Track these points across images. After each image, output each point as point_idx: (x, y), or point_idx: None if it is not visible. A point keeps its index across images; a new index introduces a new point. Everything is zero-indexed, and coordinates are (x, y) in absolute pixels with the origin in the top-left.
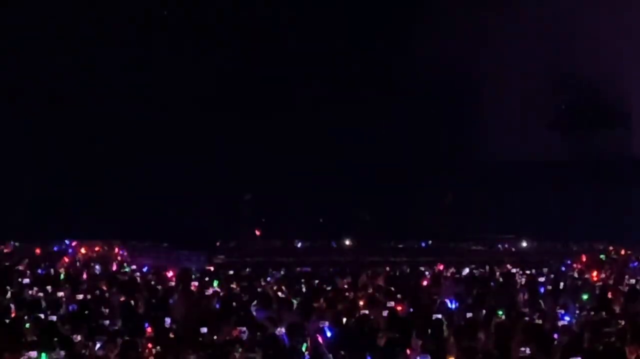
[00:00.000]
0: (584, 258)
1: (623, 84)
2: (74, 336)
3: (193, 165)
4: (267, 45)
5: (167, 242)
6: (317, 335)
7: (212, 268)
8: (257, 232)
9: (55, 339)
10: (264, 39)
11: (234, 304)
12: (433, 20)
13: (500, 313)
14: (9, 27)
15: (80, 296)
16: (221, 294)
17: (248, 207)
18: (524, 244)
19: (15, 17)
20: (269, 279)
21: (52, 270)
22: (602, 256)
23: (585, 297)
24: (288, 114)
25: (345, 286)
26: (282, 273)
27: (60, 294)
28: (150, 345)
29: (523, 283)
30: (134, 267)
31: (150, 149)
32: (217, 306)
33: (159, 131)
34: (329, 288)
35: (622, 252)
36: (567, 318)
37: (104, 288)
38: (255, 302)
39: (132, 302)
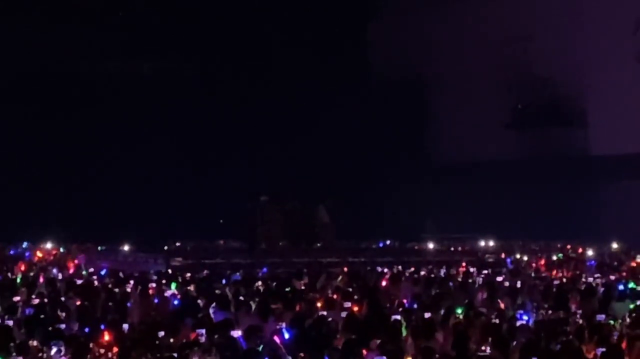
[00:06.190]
0: (541, 257)
1: (579, 83)
2: (30, 340)
3: (151, 167)
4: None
5: (125, 246)
6: (275, 337)
7: (169, 271)
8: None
9: (11, 344)
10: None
11: (192, 306)
12: (386, 23)
13: (459, 311)
14: None
15: (37, 301)
16: (179, 296)
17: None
18: (482, 243)
19: None
20: (225, 281)
21: (8, 274)
22: (559, 255)
23: None
24: (244, 114)
25: (303, 288)
26: (239, 274)
27: (17, 298)
28: (106, 348)
29: (481, 282)
30: (91, 270)
31: (107, 152)
32: (175, 308)
33: (115, 133)
34: (287, 289)
35: (579, 250)
36: (525, 317)
37: (61, 291)
38: (213, 304)
39: (89, 305)
